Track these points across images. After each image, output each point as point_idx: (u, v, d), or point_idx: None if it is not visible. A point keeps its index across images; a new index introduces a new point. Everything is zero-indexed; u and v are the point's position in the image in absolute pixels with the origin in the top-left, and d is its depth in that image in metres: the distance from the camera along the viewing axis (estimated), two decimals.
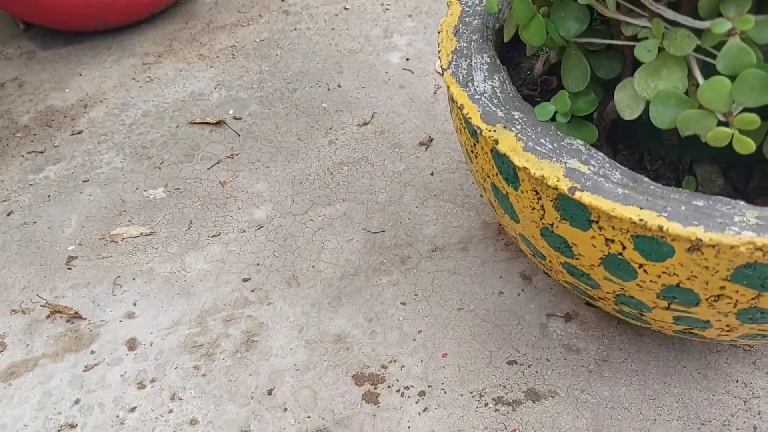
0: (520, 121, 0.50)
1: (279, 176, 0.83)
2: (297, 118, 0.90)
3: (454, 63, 0.56)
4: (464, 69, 0.55)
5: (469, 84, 0.54)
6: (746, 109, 0.39)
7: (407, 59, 0.97)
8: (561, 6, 0.47)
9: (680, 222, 0.42)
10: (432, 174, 0.81)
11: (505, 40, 0.52)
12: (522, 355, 0.63)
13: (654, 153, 0.53)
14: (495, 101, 0.52)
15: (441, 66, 0.56)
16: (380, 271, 0.72)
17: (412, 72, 0.95)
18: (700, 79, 0.42)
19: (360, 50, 0.99)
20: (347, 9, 1.06)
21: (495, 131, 0.50)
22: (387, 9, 1.05)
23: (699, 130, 0.41)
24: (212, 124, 0.90)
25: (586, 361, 0.62)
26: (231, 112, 0.92)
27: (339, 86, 0.94)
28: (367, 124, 0.88)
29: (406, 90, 0.93)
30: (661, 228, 0.42)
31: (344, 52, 0.99)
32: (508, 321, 0.66)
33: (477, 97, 0.52)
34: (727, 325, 0.49)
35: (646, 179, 0.45)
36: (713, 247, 0.42)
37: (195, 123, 0.91)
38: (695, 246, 0.42)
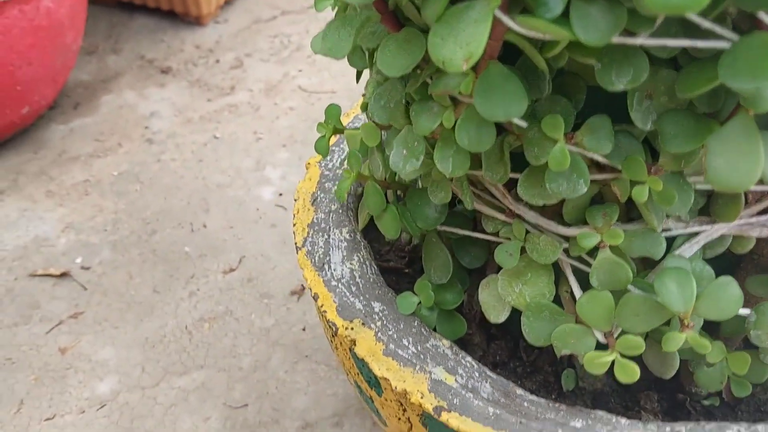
0: (381, 314, 0.44)
1: (128, 339, 0.73)
2: (154, 266, 0.81)
3: (310, 240, 0.50)
4: (321, 247, 0.49)
5: (326, 267, 0.48)
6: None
7: (280, 194, 0.91)
8: (417, 193, 0.42)
9: None
10: (304, 329, 0.74)
11: (359, 227, 0.47)
12: None
13: None
14: (354, 288, 0.46)
15: (295, 243, 0.50)
16: None
17: (285, 208, 0.89)
18: (575, 287, 0.37)
19: (229, 184, 0.93)
20: (217, 138, 1.00)
21: (353, 329, 0.43)
22: (260, 138, 1.00)
23: (578, 350, 0.36)
24: (56, 276, 0.80)
25: None
26: (79, 260, 0.82)
27: (204, 226, 0.86)
28: (234, 270, 0.80)
29: (278, 229, 0.86)
30: None
31: (212, 187, 0.92)
32: None
33: (334, 283, 0.46)
34: None
35: (520, 392, 0.40)
36: None
37: (36, 275, 0.80)
38: None
